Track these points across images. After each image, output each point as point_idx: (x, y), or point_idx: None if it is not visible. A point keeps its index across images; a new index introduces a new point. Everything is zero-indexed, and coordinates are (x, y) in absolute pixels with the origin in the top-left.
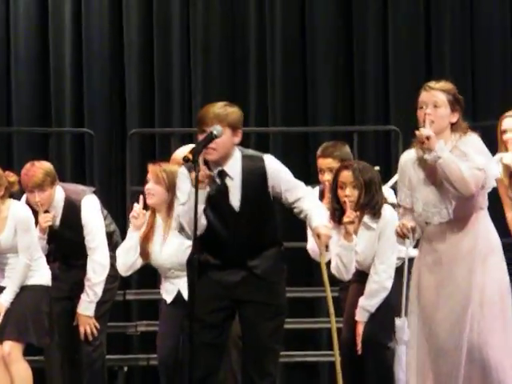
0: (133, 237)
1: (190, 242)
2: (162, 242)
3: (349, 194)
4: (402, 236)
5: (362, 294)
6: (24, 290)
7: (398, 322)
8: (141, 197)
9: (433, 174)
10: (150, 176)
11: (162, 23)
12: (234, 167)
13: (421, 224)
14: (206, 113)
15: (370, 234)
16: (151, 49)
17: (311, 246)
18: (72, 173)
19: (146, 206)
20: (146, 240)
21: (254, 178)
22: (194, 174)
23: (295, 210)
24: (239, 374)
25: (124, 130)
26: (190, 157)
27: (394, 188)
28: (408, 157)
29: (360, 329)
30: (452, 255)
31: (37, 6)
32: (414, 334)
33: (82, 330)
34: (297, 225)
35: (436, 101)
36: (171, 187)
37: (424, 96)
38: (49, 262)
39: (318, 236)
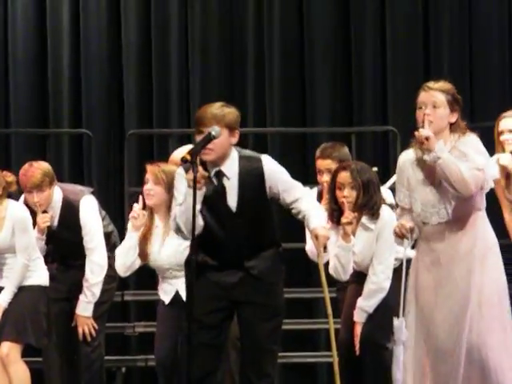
0: (132, 237)
1: (188, 243)
2: (160, 242)
3: (347, 195)
4: (400, 236)
5: (359, 294)
6: (22, 291)
7: (395, 322)
8: (140, 197)
9: (432, 175)
10: (148, 177)
11: (160, 24)
12: (231, 168)
13: (419, 224)
14: (204, 113)
15: (368, 234)
16: (149, 50)
17: (310, 247)
18: (70, 174)
19: (144, 207)
20: (144, 241)
21: (252, 178)
22: (189, 175)
23: (293, 211)
24: (237, 375)
25: (122, 130)
26: (189, 158)
27: (392, 189)
28: (406, 157)
29: (358, 329)
30: (450, 255)
31: (35, 8)
32: (412, 335)
33: (80, 330)
34: (295, 226)
35: (435, 101)
36: (170, 188)
37: (423, 96)
38: (47, 262)
39: (315, 237)
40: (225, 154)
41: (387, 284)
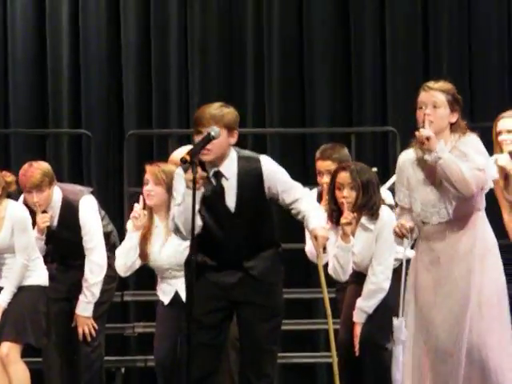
0: (132, 237)
1: (188, 243)
2: (160, 242)
3: (346, 195)
4: (400, 236)
5: (359, 295)
6: (21, 291)
7: (395, 321)
8: (141, 197)
9: (432, 175)
10: (148, 177)
11: (160, 24)
12: (229, 168)
13: (418, 224)
14: (202, 114)
15: (368, 235)
16: (149, 50)
17: (309, 247)
18: (69, 174)
19: (144, 207)
20: (144, 241)
21: (250, 178)
22: (188, 175)
23: (293, 212)
24: (237, 375)
25: (121, 131)
26: (188, 158)
27: (392, 189)
28: (406, 157)
29: (358, 330)
30: (450, 255)
31: (34, 7)
32: (411, 335)
33: (80, 330)
34: (295, 226)
35: (435, 101)
36: (171, 188)
37: (423, 96)
38: (46, 262)
39: (315, 238)
40: (223, 154)
41: (387, 284)
